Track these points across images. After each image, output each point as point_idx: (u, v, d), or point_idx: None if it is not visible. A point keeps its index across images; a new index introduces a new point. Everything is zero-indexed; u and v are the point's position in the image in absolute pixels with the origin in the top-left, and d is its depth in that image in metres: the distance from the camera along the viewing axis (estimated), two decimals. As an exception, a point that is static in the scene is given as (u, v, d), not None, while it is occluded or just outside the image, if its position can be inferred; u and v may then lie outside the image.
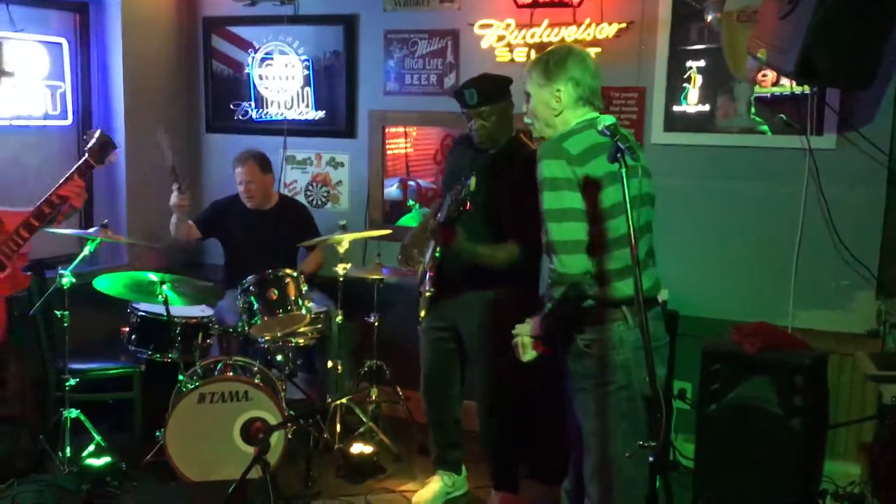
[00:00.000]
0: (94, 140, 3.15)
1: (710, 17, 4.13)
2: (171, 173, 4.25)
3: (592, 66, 2.82)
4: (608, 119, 2.46)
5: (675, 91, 4.29)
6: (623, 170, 2.34)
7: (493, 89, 3.57)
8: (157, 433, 4.00)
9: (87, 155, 3.12)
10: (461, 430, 4.02)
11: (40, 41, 4.68)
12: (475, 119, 3.57)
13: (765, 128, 4.13)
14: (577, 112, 2.78)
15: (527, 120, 2.93)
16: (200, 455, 3.93)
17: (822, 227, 4.05)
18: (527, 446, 3.92)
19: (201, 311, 4.34)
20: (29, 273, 3.21)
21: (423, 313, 3.72)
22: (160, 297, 4.00)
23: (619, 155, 2.35)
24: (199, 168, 5.53)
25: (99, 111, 5.02)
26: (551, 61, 2.80)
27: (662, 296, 4.07)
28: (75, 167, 3.09)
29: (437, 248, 3.41)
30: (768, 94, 4.12)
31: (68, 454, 3.96)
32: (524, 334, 2.84)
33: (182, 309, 4.21)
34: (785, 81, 4.03)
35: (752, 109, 4.13)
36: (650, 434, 2.36)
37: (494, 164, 3.57)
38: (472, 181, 3.12)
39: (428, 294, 3.61)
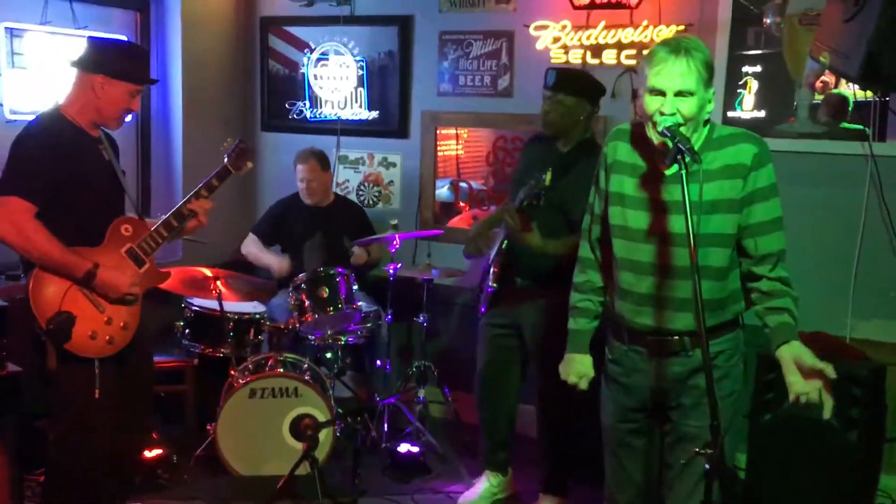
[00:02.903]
0: (233, 147, 3.21)
1: (768, 21, 4.08)
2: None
3: None
4: (668, 120, 2.40)
5: (731, 96, 4.23)
6: (683, 172, 2.30)
7: (575, 82, 3.60)
8: (208, 427, 4.05)
9: (226, 161, 3.18)
10: (514, 431, 3.99)
11: (102, 39, 4.77)
12: (546, 101, 3.60)
13: (861, 126, 3.98)
14: None
15: (668, 121, 2.40)
16: (250, 449, 3.97)
17: (883, 236, 3.96)
18: (580, 449, 3.88)
19: (253, 307, 4.38)
20: (168, 269, 3.22)
21: (483, 309, 3.69)
22: (214, 292, 4.06)
23: (678, 157, 2.31)
24: (255, 166, 5.55)
25: (157, 108, 5.10)
26: (710, 63, 2.44)
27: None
28: (214, 173, 3.14)
29: (504, 243, 3.37)
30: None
31: (121, 445, 4.02)
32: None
33: (235, 305, 4.26)
34: (843, 87, 3.96)
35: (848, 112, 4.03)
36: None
37: (568, 162, 3.57)
38: (548, 175, 3.10)
39: (492, 287, 3.58)
